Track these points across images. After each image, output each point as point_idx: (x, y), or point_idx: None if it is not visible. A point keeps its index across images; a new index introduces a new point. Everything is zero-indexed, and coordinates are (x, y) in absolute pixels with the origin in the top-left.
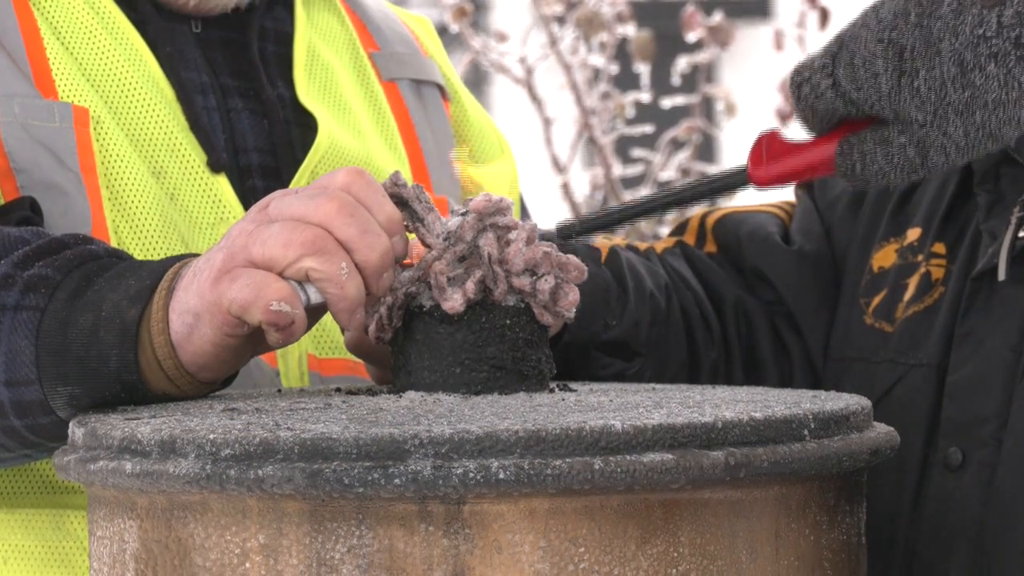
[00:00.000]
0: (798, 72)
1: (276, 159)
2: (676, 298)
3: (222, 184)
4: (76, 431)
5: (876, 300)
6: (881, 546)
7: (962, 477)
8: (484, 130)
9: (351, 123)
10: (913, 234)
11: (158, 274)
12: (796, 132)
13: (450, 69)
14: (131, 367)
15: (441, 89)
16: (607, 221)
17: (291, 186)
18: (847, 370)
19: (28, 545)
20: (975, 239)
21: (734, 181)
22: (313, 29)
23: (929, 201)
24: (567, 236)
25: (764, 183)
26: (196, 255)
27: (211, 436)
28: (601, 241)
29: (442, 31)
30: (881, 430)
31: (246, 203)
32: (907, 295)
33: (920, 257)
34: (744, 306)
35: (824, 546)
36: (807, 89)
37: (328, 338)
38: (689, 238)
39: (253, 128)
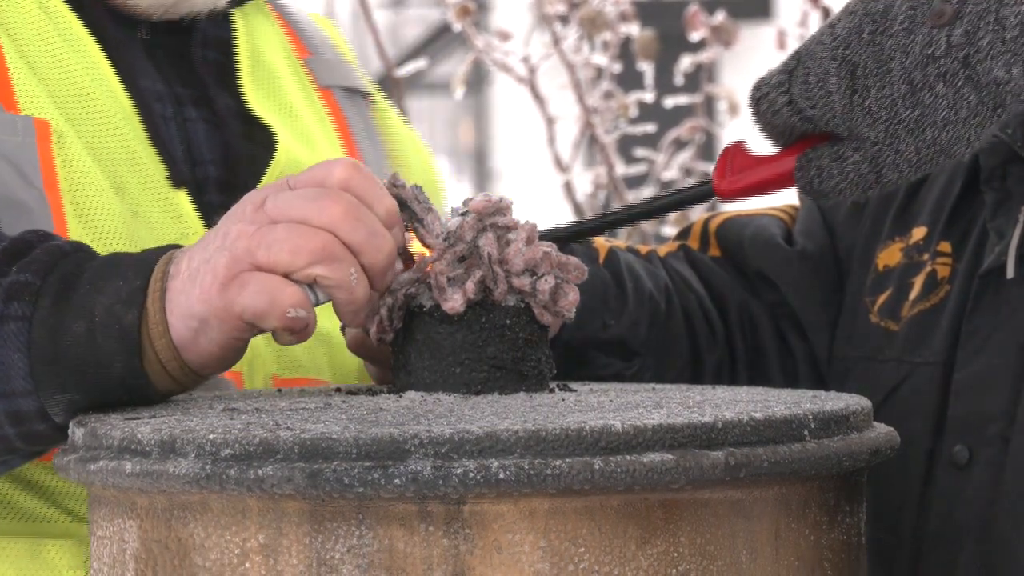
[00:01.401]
0: (757, 88)
1: (233, 173)
2: (678, 300)
3: (182, 199)
4: (76, 431)
5: (881, 299)
6: (887, 545)
7: (969, 475)
8: (404, 134)
9: (300, 130)
10: (919, 233)
11: (145, 273)
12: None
13: (363, 72)
14: (137, 372)
15: (363, 95)
16: (577, 232)
17: None
18: (852, 369)
19: (3, 573)
20: (981, 237)
21: (700, 193)
22: (253, 35)
23: (934, 199)
24: None
25: (728, 196)
26: (176, 246)
27: (211, 436)
28: (600, 242)
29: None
30: (881, 430)
31: (204, 217)
32: (913, 294)
33: (926, 256)
34: (748, 308)
35: (824, 546)
36: (765, 105)
37: (290, 358)
38: (693, 242)
39: (208, 140)
